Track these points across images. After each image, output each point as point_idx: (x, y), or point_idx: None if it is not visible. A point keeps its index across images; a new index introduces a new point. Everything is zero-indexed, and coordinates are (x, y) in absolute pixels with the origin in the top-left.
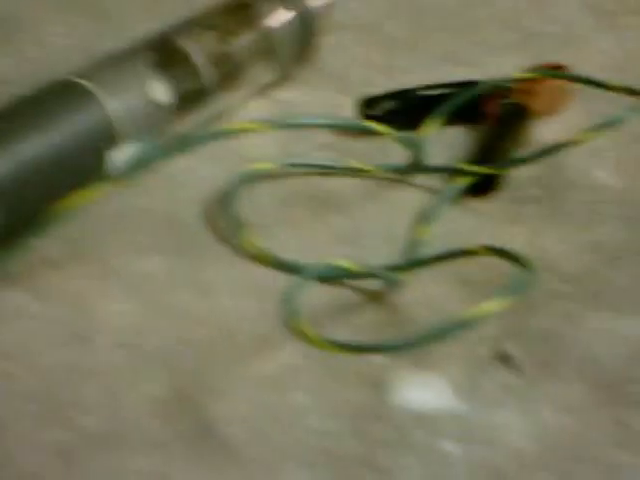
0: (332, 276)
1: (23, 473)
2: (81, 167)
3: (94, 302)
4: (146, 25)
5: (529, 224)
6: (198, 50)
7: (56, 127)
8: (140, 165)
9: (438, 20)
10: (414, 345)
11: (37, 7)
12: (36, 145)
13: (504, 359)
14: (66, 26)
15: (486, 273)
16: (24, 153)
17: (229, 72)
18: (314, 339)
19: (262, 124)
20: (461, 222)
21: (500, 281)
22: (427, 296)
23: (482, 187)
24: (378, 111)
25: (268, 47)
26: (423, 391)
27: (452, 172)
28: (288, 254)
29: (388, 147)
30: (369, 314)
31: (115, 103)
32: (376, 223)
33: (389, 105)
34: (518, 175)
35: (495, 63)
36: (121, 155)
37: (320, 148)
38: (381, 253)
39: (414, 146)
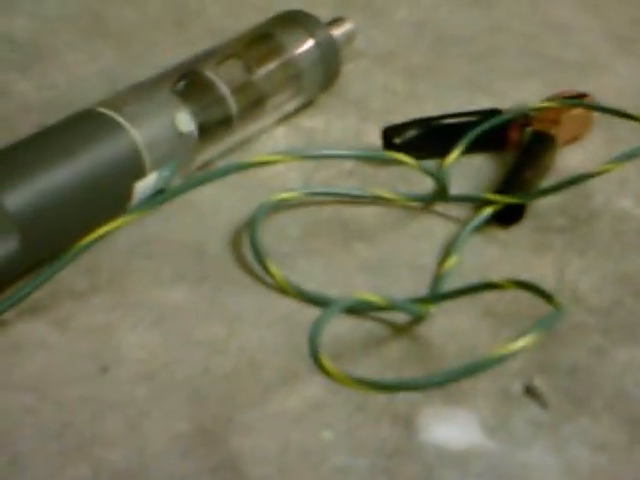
0: (358, 309)
1: None
2: (107, 197)
3: (117, 333)
4: (170, 53)
5: (554, 254)
6: (223, 79)
7: (82, 158)
8: (165, 195)
9: (458, 47)
10: (442, 383)
11: (60, 33)
12: (61, 176)
13: (533, 395)
14: (90, 53)
15: (512, 305)
16: (48, 184)
17: (253, 101)
18: (341, 377)
19: (285, 155)
20: (486, 252)
21: (527, 313)
22: (453, 329)
23: (507, 216)
24: (401, 139)
25: (292, 76)
26: (452, 428)
27: (476, 201)
28: (313, 284)
29: (412, 176)
30: (395, 347)
31: (142, 133)
32: (401, 253)
33: (412, 133)
34: (542, 204)
35: (515, 90)
36: (147, 185)
37: (344, 176)
38: (406, 283)
39: (438, 175)
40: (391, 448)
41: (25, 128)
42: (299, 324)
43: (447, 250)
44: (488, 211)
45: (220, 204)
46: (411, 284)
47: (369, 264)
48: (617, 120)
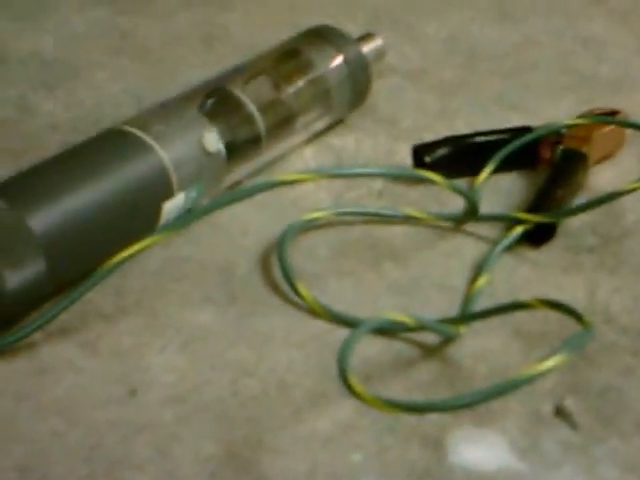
0: (387, 329)
1: None
2: (135, 218)
3: (146, 356)
4: (197, 70)
5: (585, 274)
6: (251, 98)
7: (109, 177)
8: (193, 215)
9: (490, 63)
10: (472, 404)
11: (87, 51)
12: (88, 196)
13: (563, 415)
14: (117, 71)
15: (542, 325)
16: (74, 204)
17: (282, 119)
18: (370, 399)
19: (315, 174)
20: (517, 271)
21: (557, 332)
22: (483, 349)
23: (538, 236)
24: (432, 158)
25: (321, 93)
26: (481, 449)
27: (507, 220)
28: (342, 304)
29: (442, 195)
30: (425, 368)
31: (169, 153)
32: (431, 273)
33: (443, 152)
34: (574, 223)
35: (548, 106)
36: (175, 205)
37: (374, 196)
38: (436, 303)
39: (469, 194)
40: (420, 470)
41: (52, 147)
42: (328, 345)
43: (477, 270)
44: (519, 230)
45: (249, 224)
46: (441, 304)
47: (399, 284)
48: None
